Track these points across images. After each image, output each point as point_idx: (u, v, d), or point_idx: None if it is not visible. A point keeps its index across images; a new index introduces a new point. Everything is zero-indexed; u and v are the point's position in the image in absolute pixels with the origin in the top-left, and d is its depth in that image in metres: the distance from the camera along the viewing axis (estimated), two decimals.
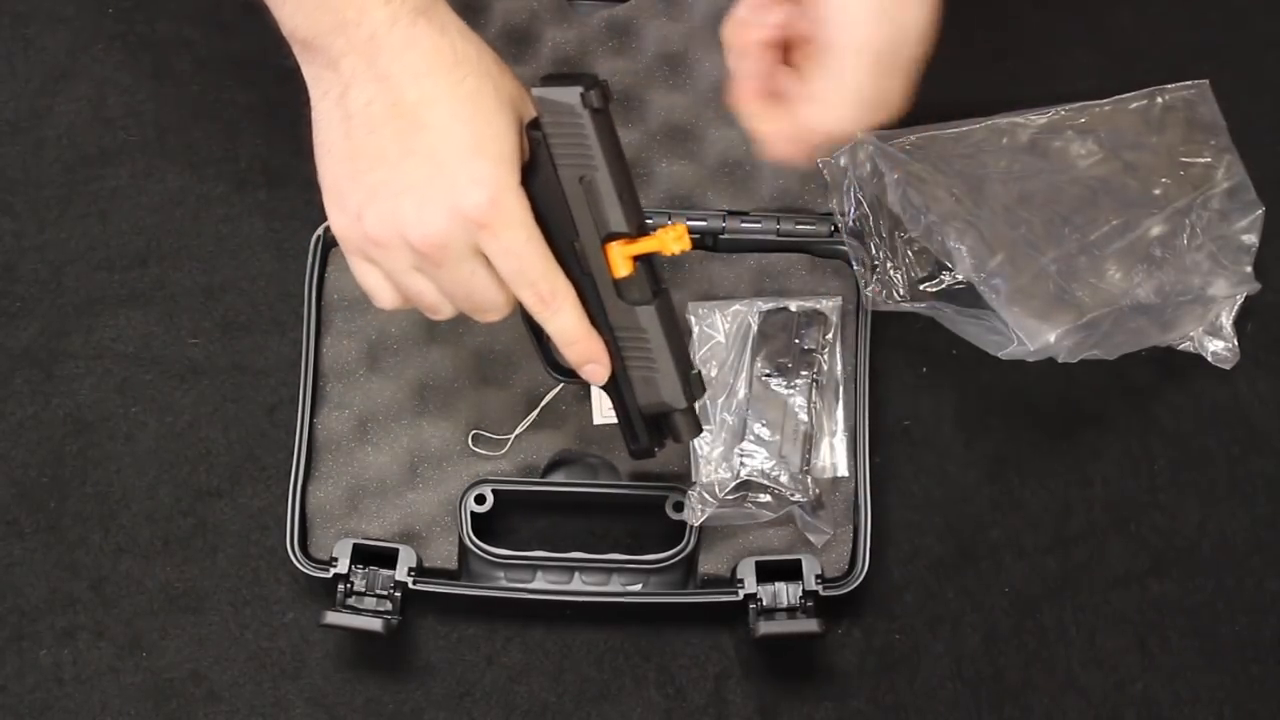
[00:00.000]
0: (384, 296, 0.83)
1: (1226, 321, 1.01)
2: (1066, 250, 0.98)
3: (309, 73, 0.79)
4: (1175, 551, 1.00)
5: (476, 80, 0.78)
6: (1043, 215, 0.99)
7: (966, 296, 0.98)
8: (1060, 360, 0.95)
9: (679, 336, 0.84)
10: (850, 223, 1.00)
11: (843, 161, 1.00)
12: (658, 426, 0.87)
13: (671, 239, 0.80)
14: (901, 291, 1.00)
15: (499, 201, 0.77)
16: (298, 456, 0.96)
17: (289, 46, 0.80)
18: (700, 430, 0.86)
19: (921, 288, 1.00)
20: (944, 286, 0.99)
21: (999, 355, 0.96)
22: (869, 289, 1.00)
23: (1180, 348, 1.01)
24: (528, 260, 0.79)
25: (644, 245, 0.81)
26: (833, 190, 1.01)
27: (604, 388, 0.86)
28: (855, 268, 1.00)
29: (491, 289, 0.81)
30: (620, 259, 0.81)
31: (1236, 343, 1.01)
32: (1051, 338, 0.94)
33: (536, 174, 0.80)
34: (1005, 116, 1.02)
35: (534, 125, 0.79)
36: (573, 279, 0.82)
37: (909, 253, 1.00)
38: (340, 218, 0.80)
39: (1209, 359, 1.01)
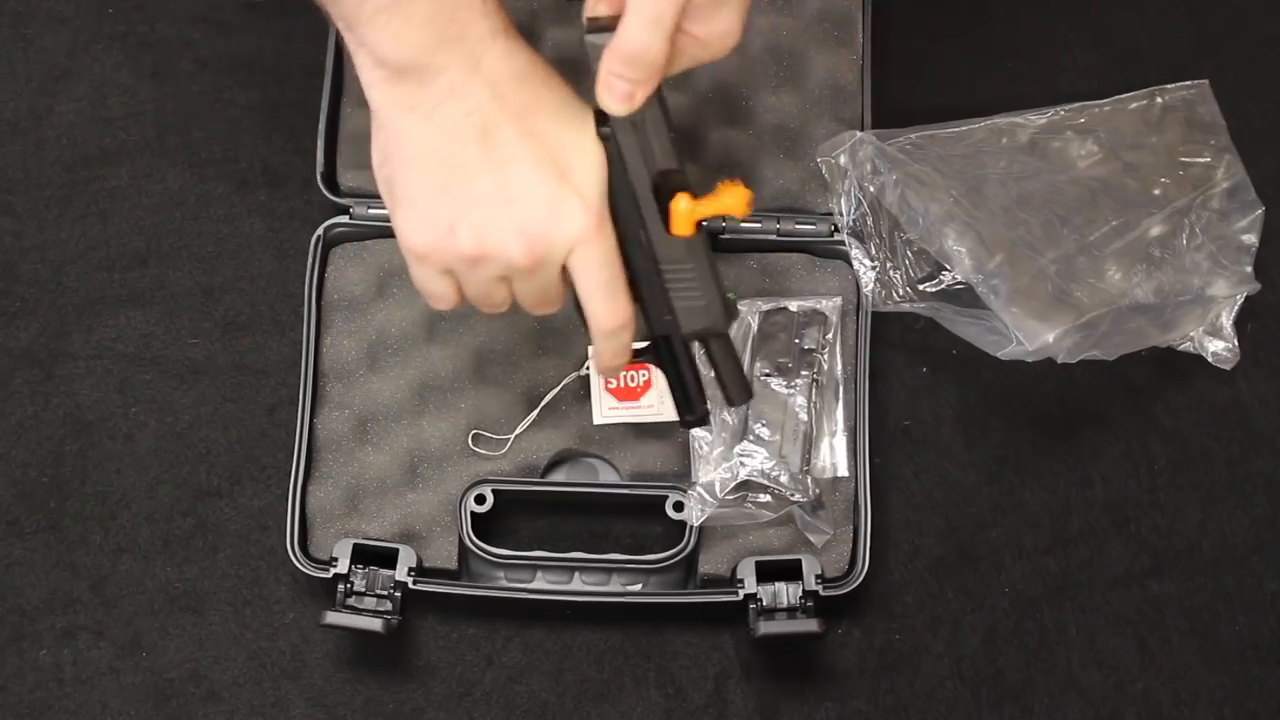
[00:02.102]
0: (447, 301, 0.83)
1: (1227, 321, 1.01)
2: (1065, 251, 0.98)
3: (390, 94, 0.77)
4: (1175, 551, 1.00)
5: (565, 90, 0.79)
6: (1042, 216, 0.99)
7: (966, 296, 0.98)
8: (1060, 360, 0.95)
9: (715, 264, 0.85)
10: (850, 223, 1.00)
11: (842, 161, 1.00)
12: (704, 396, 0.88)
13: (744, 202, 0.81)
14: (901, 291, 1.00)
15: (598, 212, 0.78)
16: (298, 456, 0.96)
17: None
18: (744, 387, 0.87)
19: (921, 288, 1.00)
20: (944, 286, 0.99)
21: (998, 355, 0.96)
22: (869, 289, 1.00)
23: (1180, 348, 1.01)
24: (615, 272, 0.80)
25: (710, 207, 0.81)
26: (832, 190, 1.01)
27: (656, 361, 0.87)
28: (855, 267, 1.00)
29: (563, 291, 0.82)
30: (684, 220, 0.81)
31: (1237, 343, 1.01)
32: (1050, 338, 0.94)
33: (610, 181, 0.80)
34: (1005, 117, 1.02)
35: (600, 122, 0.80)
36: (628, 266, 0.83)
37: (909, 253, 1.00)
38: (424, 233, 0.79)
39: (1209, 359, 1.01)
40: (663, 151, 0.80)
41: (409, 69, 0.76)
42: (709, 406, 0.89)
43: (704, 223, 0.83)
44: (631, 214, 0.81)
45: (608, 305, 0.81)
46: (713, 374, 0.87)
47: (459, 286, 0.82)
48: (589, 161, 0.78)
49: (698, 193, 0.82)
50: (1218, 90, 1.04)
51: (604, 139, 0.79)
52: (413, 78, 0.76)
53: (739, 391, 0.87)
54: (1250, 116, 1.06)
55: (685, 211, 0.81)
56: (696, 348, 0.87)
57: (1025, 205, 0.99)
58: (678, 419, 0.89)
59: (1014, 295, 0.95)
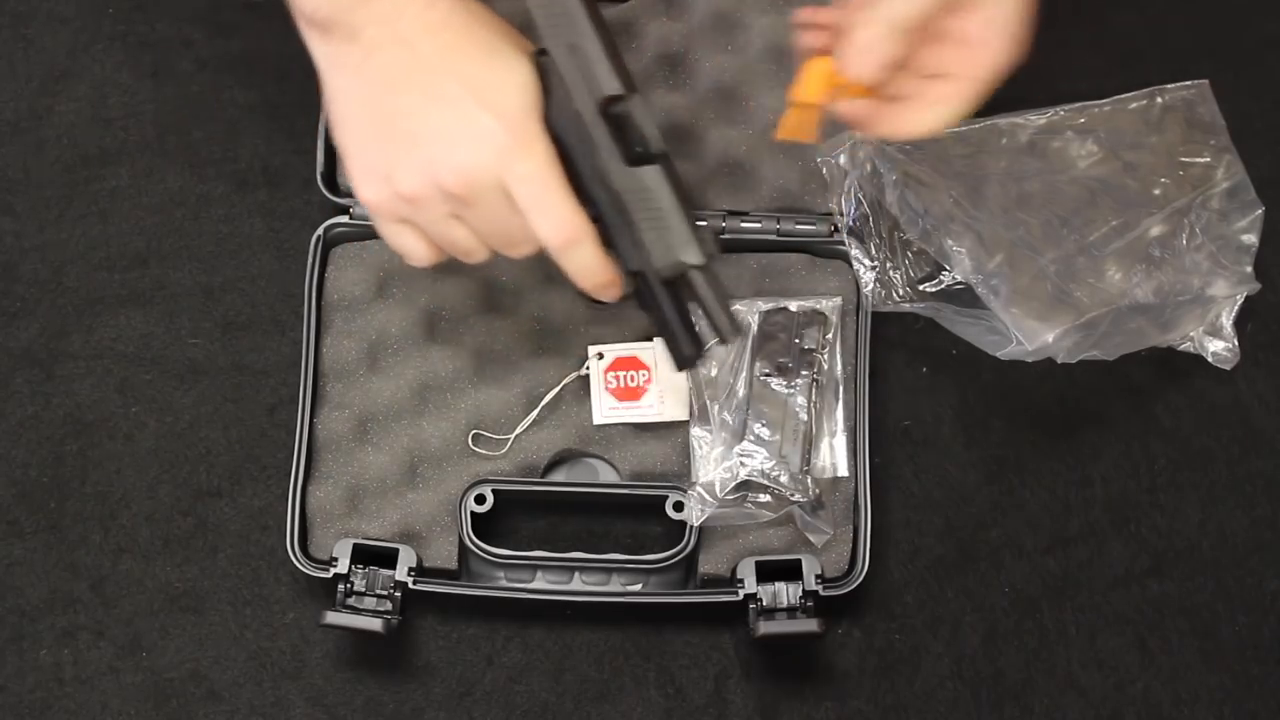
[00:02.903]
0: (420, 254, 0.85)
1: (1227, 321, 1.01)
2: (1065, 251, 0.98)
3: (324, 52, 0.81)
4: (1175, 551, 1.00)
5: (490, 32, 0.81)
6: (1041, 216, 0.99)
7: (966, 296, 0.98)
8: (1060, 360, 0.95)
9: (686, 196, 0.84)
10: (850, 223, 1.00)
11: (842, 161, 1.00)
12: (694, 334, 0.87)
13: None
14: (901, 291, 1.00)
15: (520, 129, 0.79)
16: (298, 456, 0.96)
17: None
18: (731, 321, 0.84)
19: (921, 288, 1.00)
20: (944, 286, 0.99)
21: (998, 355, 0.96)
22: (869, 289, 1.00)
23: (1180, 348, 1.01)
24: (549, 185, 0.81)
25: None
26: (832, 190, 1.01)
27: (641, 304, 0.87)
28: (855, 267, 1.00)
29: (524, 224, 0.82)
30: (817, 81, 0.82)
31: (1237, 343, 1.01)
32: (1050, 338, 0.94)
33: (549, 106, 0.81)
34: (1005, 116, 1.02)
35: (540, 53, 0.81)
36: (593, 203, 0.83)
37: (909, 253, 1.00)
38: (369, 185, 0.82)
39: (1209, 359, 1.01)
40: (605, 76, 0.80)
41: (333, 25, 0.79)
42: (703, 345, 0.87)
43: (667, 154, 0.83)
44: (583, 142, 0.82)
45: (546, 220, 0.81)
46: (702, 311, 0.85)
47: (425, 237, 0.84)
48: (508, 86, 0.80)
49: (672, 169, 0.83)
50: (1218, 90, 1.04)
51: (542, 68, 0.81)
52: (338, 34, 0.79)
53: (728, 326, 0.84)
54: (1250, 116, 1.06)
55: (822, 74, 0.82)
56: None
57: (1025, 205, 0.99)
58: (675, 366, 0.88)
59: (1014, 295, 0.96)
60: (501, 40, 0.81)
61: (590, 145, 0.82)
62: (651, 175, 0.82)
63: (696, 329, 0.87)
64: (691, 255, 0.83)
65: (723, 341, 0.85)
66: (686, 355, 0.87)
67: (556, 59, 0.81)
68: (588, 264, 0.83)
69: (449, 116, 0.79)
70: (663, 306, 0.86)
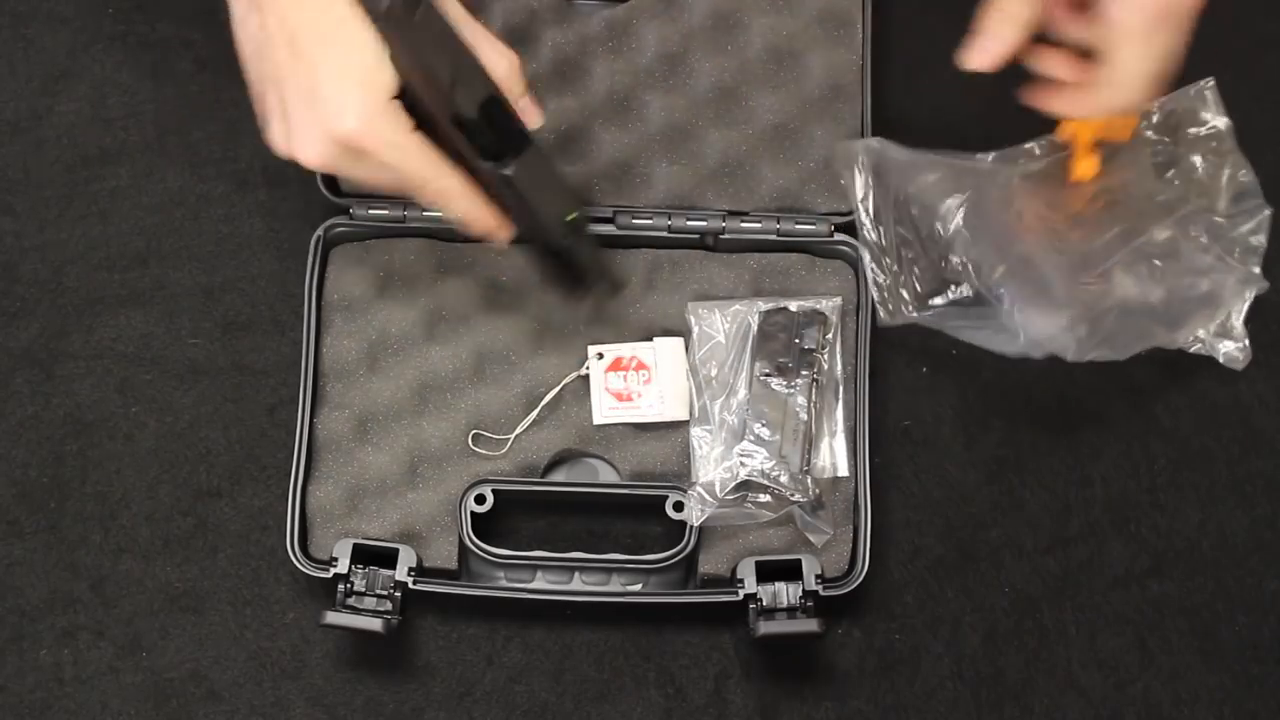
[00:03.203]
0: None
1: (1237, 322, 1.01)
2: (1071, 257, 0.97)
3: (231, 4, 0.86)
4: (1175, 551, 1.00)
5: (351, 9, 0.81)
6: (1048, 222, 0.99)
7: (974, 303, 0.97)
8: (1069, 359, 0.95)
9: (553, 186, 0.89)
10: (862, 232, 0.99)
11: (855, 169, 0.99)
12: (577, 275, 0.95)
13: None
14: (910, 306, 0.99)
15: (369, 127, 0.82)
16: (298, 456, 0.96)
17: None
18: (604, 279, 0.97)
19: (931, 301, 0.99)
20: (952, 298, 0.99)
21: (1008, 353, 0.95)
22: (876, 295, 0.99)
23: (1191, 350, 1.00)
24: (407, 171, 0.84)
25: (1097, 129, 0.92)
26: (849, 199, 1.00)
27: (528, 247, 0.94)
28: (869, 275, 0.99)
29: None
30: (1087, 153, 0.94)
31: (1248, 343, 1.01)
32: (1059, 336, 0.94)
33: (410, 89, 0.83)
34: (1014, 149, 1.01)
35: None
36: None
37: (915, 268, 0.99)
38: (265, 132, 0.87)
39: (1220, 360, 1.01)
40: (457, 88, 0.82)
41: None
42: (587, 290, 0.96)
43: (532, 141, 0.86)
44: (441, 137, 0.84)
45: (414, 188, 0.86)
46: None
47: None
48: (360, 78, 0.81)
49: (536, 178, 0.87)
50: (1217, 90, 1.04)
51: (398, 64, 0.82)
52: None
53: (601, 288, 0.96)
54: (1250, 116, 1.06)
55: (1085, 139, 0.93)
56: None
57: (1033, 212, 0.99)
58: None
59: (1021, 299, 0.95)
60: (353, 23, 0.81)
61: (448, 141, 0.84)
62: (509, 172, 0.85)
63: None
64: (553, 239, 0.90)
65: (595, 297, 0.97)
66: (567, 298, 0.97)
67: (409, 83, 0.82)
68: (466, 213, 0.88)
69: (303, 101, 0.82)
70: (538, 262, 0.95)
